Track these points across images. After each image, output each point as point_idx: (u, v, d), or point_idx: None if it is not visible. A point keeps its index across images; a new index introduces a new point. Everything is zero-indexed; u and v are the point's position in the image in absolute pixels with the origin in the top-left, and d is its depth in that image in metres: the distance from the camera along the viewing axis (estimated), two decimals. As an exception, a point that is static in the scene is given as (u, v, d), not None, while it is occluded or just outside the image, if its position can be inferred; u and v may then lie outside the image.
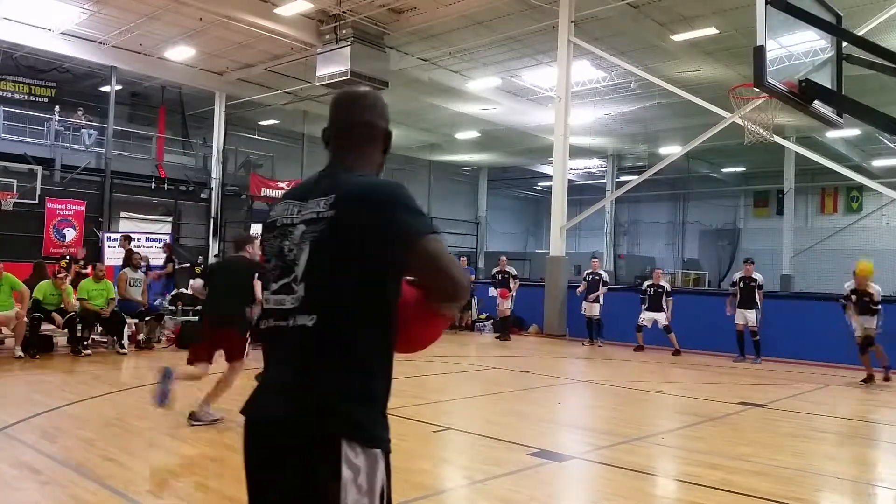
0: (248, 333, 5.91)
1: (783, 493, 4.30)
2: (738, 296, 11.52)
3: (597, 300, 13.15)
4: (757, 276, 11.57)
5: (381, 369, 1.65)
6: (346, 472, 1.49)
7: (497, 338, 14.28)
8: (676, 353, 11.94)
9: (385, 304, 1.61)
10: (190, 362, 5.72)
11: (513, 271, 14.88)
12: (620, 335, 13.00)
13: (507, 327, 14.38)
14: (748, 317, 11.37)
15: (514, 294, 14.53)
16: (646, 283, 12.85)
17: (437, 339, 1.80)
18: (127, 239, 13.25)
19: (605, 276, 13.58)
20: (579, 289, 13.51)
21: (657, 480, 4.80)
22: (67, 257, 15.11)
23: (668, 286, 12.77)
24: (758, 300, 11.38)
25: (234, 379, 5.77)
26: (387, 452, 1.58)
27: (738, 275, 11.98)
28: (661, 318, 12.23)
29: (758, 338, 11.35)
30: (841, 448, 6.00)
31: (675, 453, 5.49)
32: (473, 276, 17.34)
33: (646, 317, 12.38)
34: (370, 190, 1.63)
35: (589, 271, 13.60)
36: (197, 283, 6.79)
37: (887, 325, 11.12)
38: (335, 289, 1.57)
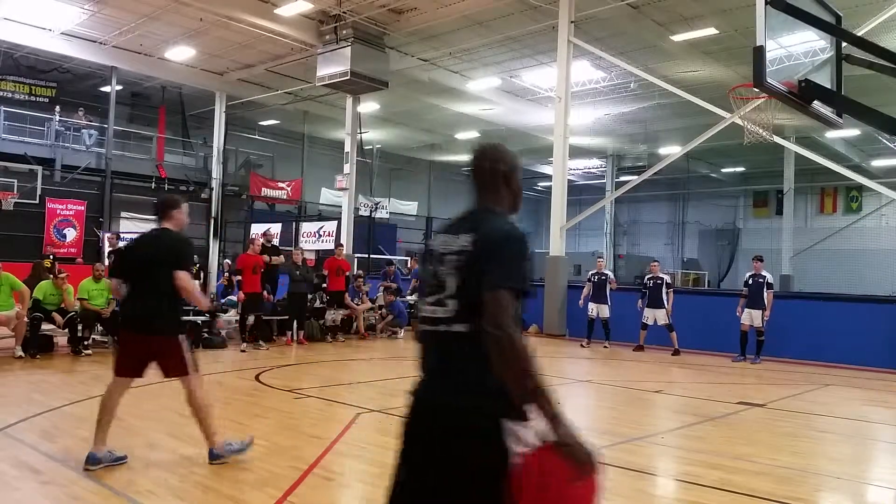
0: (183, 336, 4.62)
1: (783, 493, 4.30)
2: (747, 295, 11.47)
3: (605, 300, 12.92)
4: (766, 273, 11.54)
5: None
6: (502, 438, 1.91)
7: None
8: (676, 353, 11.91)
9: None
10: (117, 374, 4.53)
11: None
12: (621, 335, 12.98)
13: None
14: (754, 316, 11.33)
15: None
16: (646, 277, 12.76)
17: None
18: (116, 237, 13.32)
19: (611, 275, 13.38)
20: (584, 292, 13.17)
21: (657, 480, 4.80)
22: (51, 256, 15.14)
23: (667, 278, 12.68)
24: (766, 300, 11.32)
25: (199, 395, 4.57)
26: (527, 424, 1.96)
27: (748, 273, 11.91)
28: (662, 315, 12.14)
29: (762, 338, 11.34)
30: (841, 448, 6.00)
31: (675, 453, 5.50)
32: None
33: (647, 314, 12.28)
34: (500, 233, 2.07)
35: (594, 272, 13.30)
36: (112, 282, 5.11)
37: (887, 324, 11.16)
38: (477, 306, 1.96)
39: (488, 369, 1.89)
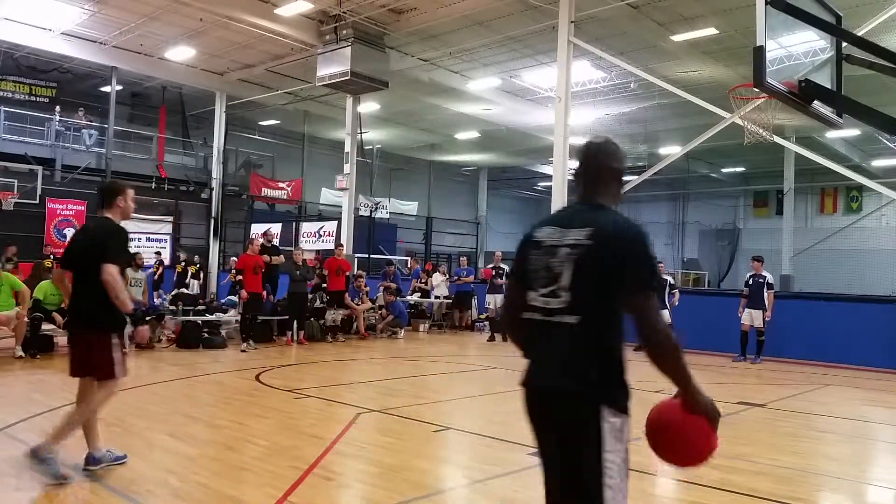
0: (118, 338, 4.32)
1: (783, 493, 4.30)
2: (748, 295, 11.47)
3: None
4: (766, 273, 11.54)
5: (620, 359, 2.17)
6: (605, 427, 2.06)
7: (489, 339, 13.95)
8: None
9: (619, 312, 2.13)
10: (71, 375, 4.51)
11: (506, 268, 14.68)
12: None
13: (497, 328, 14.13)
14: (754, 316, 11.33)
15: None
16: None
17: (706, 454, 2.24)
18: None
19: None
20: None
21: (657, 480, 4.80)
22: (51, 256, 15.14)
23: (671, 279, 12.65)
24: (766, 300, 11.32)
25: (99, 399, 4.26)
26: (628, 416, 2.14)
27: (748, 274, 11.91)
28: (665, 314, 12.09)
29: (762, 338, 11.33)
30: (841, 448, 6.00)
31: (675, 453, 5.49)
32: (473, 277, 17.28)
33: None
34: (622, 230, 2.16)
35: None
36: (54, 274, 4.59)
37: (887, 324, 11.16)
38: (592, 298, 2.11)
39: (593, 361, 2.10)
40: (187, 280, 15.66)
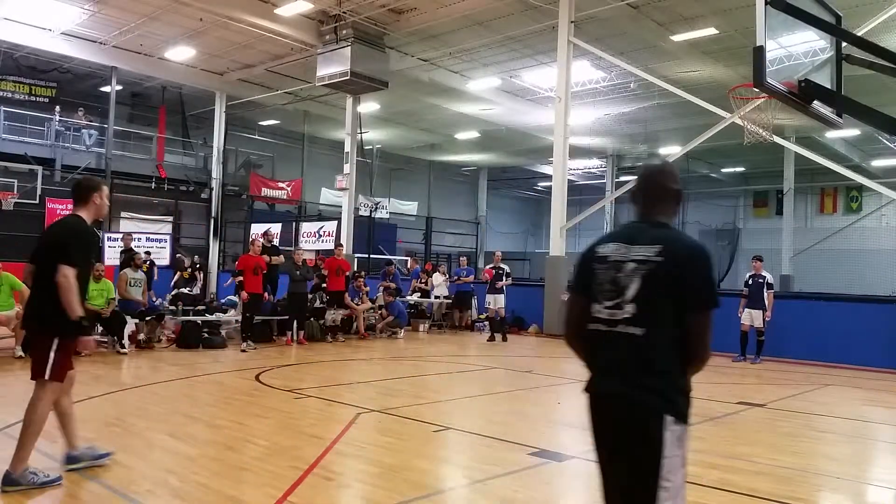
0: (62, 341, 4.06)
1: (783, 493, 4.30)
2: (747, 295, 11.48)
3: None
4: (765, 273, 11.53)
5: (683, 371, 2.31)
6: (667, 435, 2.18)
7: (489, 339, 13.93)
8: None
9: (680, 326, 2.26)
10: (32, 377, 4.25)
11: (507, 269, 14.65)
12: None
13: (500, 327, 14.19)
14: (754, 316, 11.33)
15: (506, 292, 14.26)
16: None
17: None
18: (129, 237, 13.45)
19: None
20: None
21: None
22: None
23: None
24: (766, 300, 11.32)
25: (40, 408, 4.05)
26: (688, 425, 2.28)
27: (748, 274, 11.92)
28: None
29: (762, 338, 11.33)
30: (841, 448, 6.00)
31: (675, 453, 5.49)
32: (473, 277, 17.29)
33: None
34: (692, 250, 2.30)
35: None
36: (25, 269, 4.39)
37: (887, 324, 11.16)
38: (658, 311, 2.24)
39: (655, 370, 2.24)
40: (198, 283, 15.72)
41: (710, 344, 2.27)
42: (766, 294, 11.35)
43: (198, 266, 16.18)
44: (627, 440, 2.24)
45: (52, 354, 3.99)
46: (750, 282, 11.53)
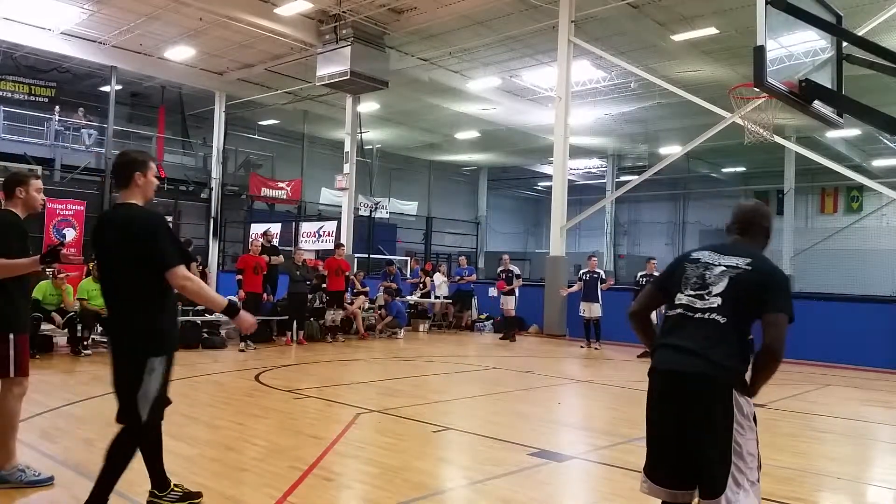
0: (16, 336, 3.98)
1: (783, 493, 4.30)
2: None
3: (596, 300, 12.88)
4: None
5: (748, 357, 2.66)
6: (735, 407, 2.53)
7: (501, 338, 14.11)
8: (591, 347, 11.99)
9: (752, 323, 2.67)
10: None
11: (516, 270, 14.74)
12: (621, 335, 12.97)
13: (512, 327, 14.23)
14: None
15: (517, 293, 14.37)
16: (639, 274, 12.59)
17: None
18: None
19: (603, 274, 13.27)
20: (573, 288, 13.28)
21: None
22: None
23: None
24: None
25: (8, 406, 4.03)
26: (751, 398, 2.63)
27: None
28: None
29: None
30: (841, 448, 5.99)
31: (675, 453, 5.48)
32: (474, 276, 17.28)
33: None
34: (776, 270, 2.74)
35: (586, 270, 13.15)
36: None
37: (887, 324, 11.15)
38: (740, 308, 2.64)
39: (730, 352, 2.58)
40: (207, 282, 15.69)
41: (783, 345, 2.59)
42: None
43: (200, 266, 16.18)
44: (700, 410, 2.54)
45: (11, 352, 3.93)
46: None
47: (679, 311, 2.73)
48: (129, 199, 3.52)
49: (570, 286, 13.77)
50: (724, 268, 2.71)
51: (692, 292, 2.72)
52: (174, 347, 3.54)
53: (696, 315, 2.67)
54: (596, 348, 12.79)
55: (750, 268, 2.68)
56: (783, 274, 2.76)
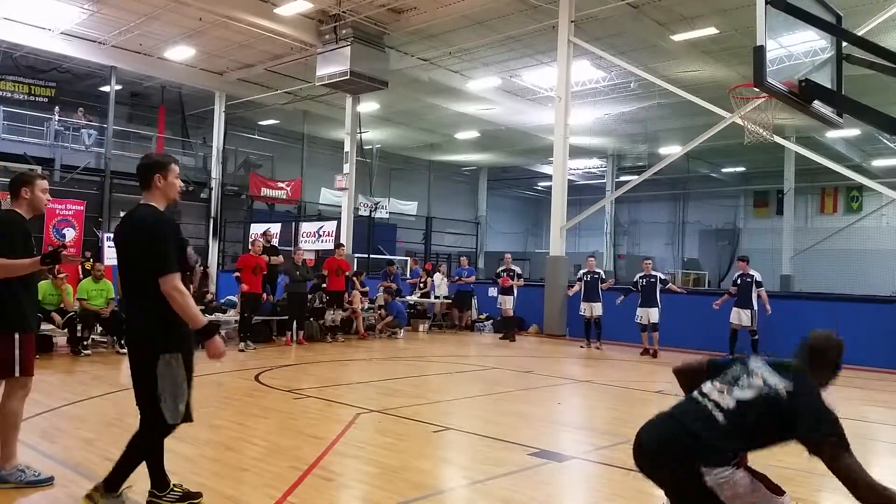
0: (21, 335, 4.00)
1: (783, 493, 4.29)
2: (735, 294, 11.50)
3: (598, 299, 12.88)
4: (753, 272, 11.53)
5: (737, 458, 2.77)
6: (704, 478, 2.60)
7: (501, 338, 14.12)
8: (654, 354, 11.92)
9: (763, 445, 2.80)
10: None
11: (518, 269, 14.81)
12: (621, 335, 12.97)
13: (511, 327, 14.23)
14: (743, 315, 11.33)
15: (516, 293, 14.37)
16: (637, 276, 12.57)
17: None
18: None
19: (602, 274, 13.29)
20: (573, 289, 13.28)
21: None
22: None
23: (661, 275, 12.57)
24: (753, 298, 11.32)
25: (12, 405, 4.05)
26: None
27: (736, 273, 11.98)
28: (655, 314, 12.01)
29: (756, 337, 11.30)
30: (841, 448, 5.98)
31: (675, 453, 5.48)
32: (474, 277, 17.27)
33: (640, 313, 12.10)
34: (812, 409, 2.69)
35: (585, 271, 13.16)
36: None
37: (887, 324, 11.16)
38: (748, 424, 2.66)
39: (714, 437, 2.64)
40: (210, 281, 15.75)
41: (854, 474, 2.56)
42: (755, 292, 11.34)
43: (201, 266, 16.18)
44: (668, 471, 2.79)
45: (16, 351, 3.95)
46: (738, 281, 11.53)
47: (695, 393, 2.82)
48: (150, 200, 3.61)
49: (570, 286, 13.77)
50: (762, 381, 2.73)
51: (719, 384, 2.78)
52: (186, 345, 3.56)
53: (704, 401, 2.73)
54: (598, 348, 12.79)
55: (784, 395, 2.68)
56: (821, 400, 2.71)
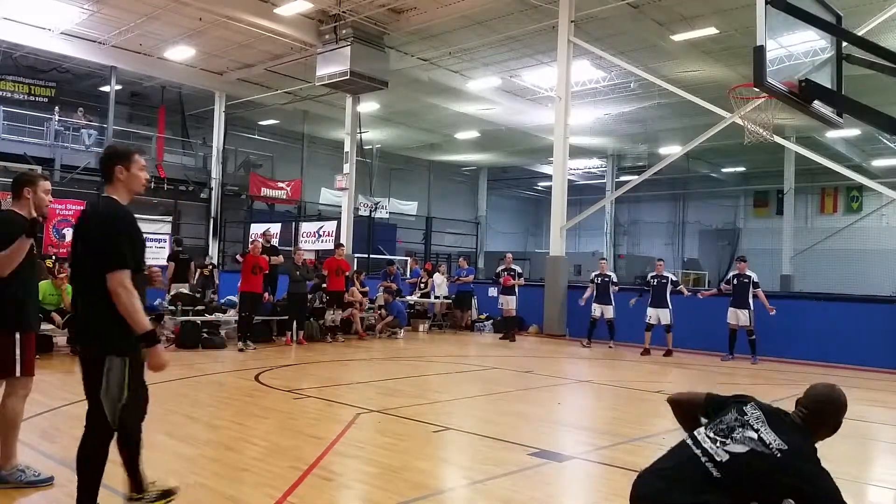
0: (22, 335, 3.99)
1: (783, 493, 4.29)
2: (732, 294, 11.49)
3: (609, 301, 12.81)
4: (750, 273, 11.52)
5: None
6: None
7: (501, 338, 14.12)
8: (668, 353, 11.88)
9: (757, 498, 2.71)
10: None
11: (518, 269, 14.79)
12: (621, 335, 12.97)
13: (511, 327, 14.22)
14: (740, 315, 11.33)
15: (517, 293, 14.35)
16: (650, 275, 12.59)
17: None
18: None
19: (614, 276, 13.22)
20: (586, 294, 13.12)
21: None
22: (53, 257, 15.09)
23: (672, 276, 12.54)
24: (750, 298, 11.32)
25: (13, 405, 4.05)
26: None
27: (731, 273, 11.97)
28: (666, 315, 11.97)
29: (753, 337, 11.29)
30: (840, 448, 5.98)
31: (675, 453, 5.48)
32: (474, 277, 17.27)
33: (651, 313, 12.06)
34: (811, 477, 2.65)
35: (597, 273, 13.14)
36: None
37: (887, 324, 11.16)
38: (740, 479, 2.64)
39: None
40: (215, 281, 15.73)
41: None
42: (752, 293, 11.32)
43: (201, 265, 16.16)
44: None
45: (17, 351, 3.92)
46: (735, 281, 11.51)
47: (690, 443, 2.76)
48: (111, 193, 3.42)
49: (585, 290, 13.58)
50: (757, 437, 2.67)
51: (712, 435, 2.73)
52: (136, 348, 3.32)
53: (697, 451, 2.69)
54: (611, 347, 12.82)
55: (780, 455, 2.62)
56: (828, 476, 2.68)
